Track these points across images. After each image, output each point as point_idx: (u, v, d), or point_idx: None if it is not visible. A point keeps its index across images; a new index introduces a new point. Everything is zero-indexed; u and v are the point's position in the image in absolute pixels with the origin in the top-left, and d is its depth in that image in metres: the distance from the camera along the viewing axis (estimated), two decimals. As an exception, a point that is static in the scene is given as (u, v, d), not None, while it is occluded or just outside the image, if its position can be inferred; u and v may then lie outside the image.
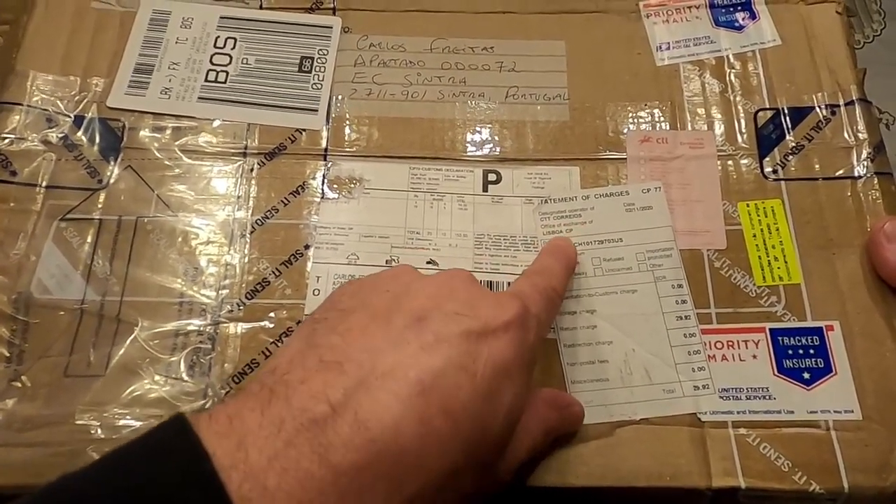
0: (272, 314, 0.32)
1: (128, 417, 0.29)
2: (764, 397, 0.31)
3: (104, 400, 0.30)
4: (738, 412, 0.31)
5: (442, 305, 0.24)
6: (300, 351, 0.23)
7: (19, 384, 0.30)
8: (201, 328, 0.32)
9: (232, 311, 0.32)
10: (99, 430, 0.29)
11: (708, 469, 0.30)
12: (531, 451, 0.27)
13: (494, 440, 0.24)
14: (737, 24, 0.40)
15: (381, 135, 0.37)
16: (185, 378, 0.30)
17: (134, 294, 0.32)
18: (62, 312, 0.32)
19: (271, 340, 0.32)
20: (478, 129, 0.38)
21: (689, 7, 0.41)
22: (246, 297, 0.33)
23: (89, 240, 0.33)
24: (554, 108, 0.38)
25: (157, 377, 0.30)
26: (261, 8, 0.40)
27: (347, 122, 0.38)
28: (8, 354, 0.31)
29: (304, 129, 0.37)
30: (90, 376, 0.30)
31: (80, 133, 0.36)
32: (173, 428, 0.20)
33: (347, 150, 0.37)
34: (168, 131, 0.37)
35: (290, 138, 0.37)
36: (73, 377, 0.30)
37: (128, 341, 0.31)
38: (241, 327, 0.32)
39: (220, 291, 0.33)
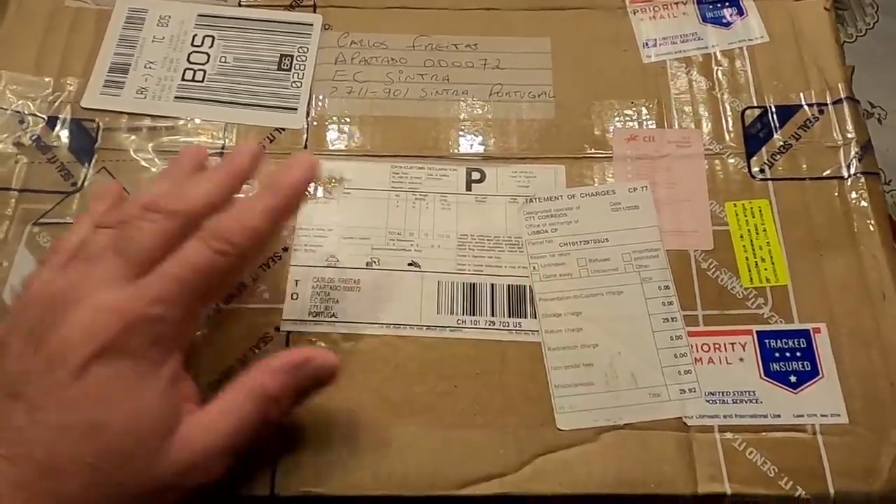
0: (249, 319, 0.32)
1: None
2: (750, 401, 0.31)
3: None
4: (725, 416, 0.30)
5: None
6: None
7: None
8: (177, 334, 0.31)
9: (209, 316, 0.32)
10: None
11: (694, 475, 0.29)
12: (239, 429, 0.25)
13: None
14: (724, 21, 0.39)
15: (362, 134, 0.37)
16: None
17: (108, 299, 0.32)
18: (34, 319, 0.31)
19: (248, 347, 0.31)
20: (461, 127, 0.37)
21: (676, 3, 0.40)
22: (223, 302, 0.32)
23: (63, 244, 0.33)
24: (539, 105, 0.38)
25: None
26: (239, 5, 0.39)
27: (328, 121, 0.37)
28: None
29: (284, 129, 0.36)
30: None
31: (53, 134, 0.35)
32: None
33: (328, 149, 0.36)
34: (143, 132, 0.36)
35: (269, 138, 0.36)
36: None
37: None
38: (218, 333, 0.31)
39: (196, 296, 0.32)
